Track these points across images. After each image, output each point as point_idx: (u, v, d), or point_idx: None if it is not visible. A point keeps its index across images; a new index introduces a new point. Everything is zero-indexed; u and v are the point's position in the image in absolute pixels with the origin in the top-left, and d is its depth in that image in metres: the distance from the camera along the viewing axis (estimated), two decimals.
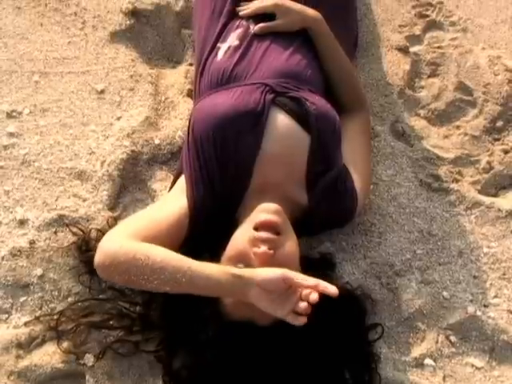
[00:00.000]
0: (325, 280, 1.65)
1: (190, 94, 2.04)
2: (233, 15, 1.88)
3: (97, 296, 1.65)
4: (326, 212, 1.68)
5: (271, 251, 1.45)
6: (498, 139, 2.03)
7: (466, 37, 2.23)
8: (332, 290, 1.34)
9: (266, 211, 1.53)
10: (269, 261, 1.45)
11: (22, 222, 1.75)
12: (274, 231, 1.50)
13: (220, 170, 1.61)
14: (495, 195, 1.95)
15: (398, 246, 1.80)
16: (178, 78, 2.09)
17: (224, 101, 1.67)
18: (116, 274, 1.48)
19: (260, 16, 1.85)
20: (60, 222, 1.75)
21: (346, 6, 2.04)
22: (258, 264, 1.45)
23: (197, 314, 1.48)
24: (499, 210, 1.88)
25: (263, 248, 1.45)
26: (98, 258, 1.50)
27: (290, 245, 1.52)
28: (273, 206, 1.54)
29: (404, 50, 2.19)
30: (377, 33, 2.24)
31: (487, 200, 1.90)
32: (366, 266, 1.77)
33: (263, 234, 1.48)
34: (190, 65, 2.12)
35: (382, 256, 1.78)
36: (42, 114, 1.97)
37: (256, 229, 1.50)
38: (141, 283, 1.45)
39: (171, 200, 1.65)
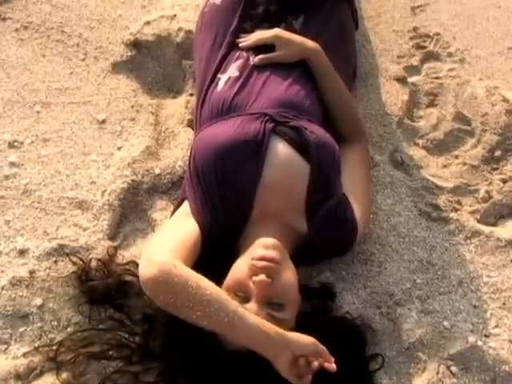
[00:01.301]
0: (324, 310, 1.66)
1: (190, 124, 2.05)
2: (233, 46, 1.91)
3: (96, 326, 1.63)
4: (325, 240, 1.68)
5: (269, 279, 1.46)
6: (497, 169, 2.04)
7: (463, 67, 2.25)
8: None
9: (263, 246, 1.54)
10: (267, 289, 1.46)
11: (23, 252, 1.75)
12: (272, 267, 1.50)
13: (222, 199, 1.62)
14: (494, 224, 1.95)
15: (398, 276, 1.80)
16: (178, 108, 2.11)
17: (224, 130, 1.68)
18: (164, 293, 1.43)
19: (260, 47, 1.88)
20: (60, 251, 1.75)
21: (344, 38, 2.07)
22: (257, 292, 1.46)
23: (197, 345, 1.47)
24: (499, 239, 1.88)
25: (261, 276, 1.46)
26: (151, 271, 1.43)
27: (289, 273, 1.53)
28: (271, 240, 1.55)
29: (402, 81, 2.21)
30: (375, 63, 2.26)
31: (486, 229, 1.90)
32: (366, 295, 1.76)
33: (262, 263, 1.49)
34: (191, 95, 2.14)
35: (382, 285, 1.78)
36: (43, 143, 1.98)
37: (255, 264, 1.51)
38: (183, 310, 1.42)
39: (184, 222, 1.63)
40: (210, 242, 1.60)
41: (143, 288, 1.47)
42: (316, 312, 1.65)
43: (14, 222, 1.81)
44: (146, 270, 1.46)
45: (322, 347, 1.41)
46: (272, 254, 1.52)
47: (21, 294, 1.67)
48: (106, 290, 1.65)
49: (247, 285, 1.48)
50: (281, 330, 1.41)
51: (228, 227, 1.62)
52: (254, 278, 1.46)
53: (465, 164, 2.05)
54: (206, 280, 1.45)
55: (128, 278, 1.68)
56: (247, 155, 1.63)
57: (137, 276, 1.66)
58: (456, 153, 2.08)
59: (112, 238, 1.82)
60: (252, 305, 1.46)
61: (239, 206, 1.63)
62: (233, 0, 1.95)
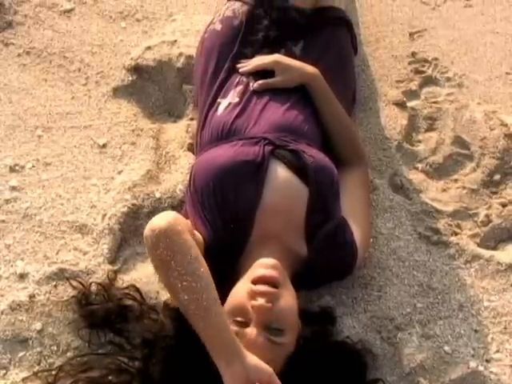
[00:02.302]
0: (325, 334, 1.65)
1: (190, 148, 2.06)
2: (233, 71, 1.93)
3: (96, 351, 1.63)
4: (325, 264, 1.68)
5: (269, 304, 1.46)
6: (496, 192, 2.05)
7: (461, 92, 2.27)
8: None
9: (263, 266, 1.54)
10: (267, 314, 1.46)
11: (22, 276, 1.75)
12: (271, 285, 1.50)
13: (222, 219, 1.63)
14: (494, 248, 1.95)
15: (399, 300, 1.79)
16: (178, 132, 2.12)
17: (224, 152, 1.70)
18: (164, 248, 1.43)
19: (260, 72, 1.89)
20: (60, 275, 1.75)
21: (344, 63, 2.09)
22: (256, 317, 1.45)
23: (197, 370, 1.46)
24: (499, 263, 1.87)
25: (261, 301, 1.46)
26: (161, 223, 1.45)
27: (288, 298, 1.52)
28: (271, 260, 1.55)
29: (401, 105, 2.23)
30: (374, 88, 2.28)
31: (486, 253, 1.90)
32: (367, 319, 1.75)
33: (261, 288, 1.49)
34: (191, 119, 2.15)
35: (383, 310, 1.77)
36: (44, 167, 1.99)
37: (254, 283, 1.51)
38: (172, 274, 1.42)
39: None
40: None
41: (146, 238, 1.47)
42: (316, 336, 1.64)
43: (15, 246, 1.81)
44: (156, 221, 1.47)
45: (278, 382, 1.38)
46: (272, 273, 1.52)
47: (20, 318, 1.67)
48: (105, 314, 1.64)
49: (246, 309, 1.47)
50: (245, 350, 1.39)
51: (228, 247, 1.62)
52: (253, 302, 1.46)
53: (464, 188, 2.05)
54: (205, 262, 1.46)
55: (128, 302, 1.67)
56: (247, 176, 1.64)
57: (137, 300, 1.67)
58: (455, 177, 2.09)
59: (112, 261, 1.82)
60: (251, 329, 1.46)
61: (239, 227, 1.63)
62: (233, 26, 1.98)
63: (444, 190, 2.05)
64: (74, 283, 1.71)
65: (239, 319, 1.47)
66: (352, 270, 1.77)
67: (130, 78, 2.23)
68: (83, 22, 2.38)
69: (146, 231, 1.48)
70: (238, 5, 2.01)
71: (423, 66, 2.33)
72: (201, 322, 1.41)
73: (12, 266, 1.77)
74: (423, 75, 2.30)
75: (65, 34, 2.34)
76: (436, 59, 2.35)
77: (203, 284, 1.42)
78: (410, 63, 2.34)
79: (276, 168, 1.68)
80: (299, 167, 1.68)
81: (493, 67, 2.35)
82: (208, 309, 1.40)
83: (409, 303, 1.79)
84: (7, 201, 1.90)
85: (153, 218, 1.51)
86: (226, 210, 1.63)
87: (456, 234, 1.95)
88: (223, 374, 1.37)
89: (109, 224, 1.86)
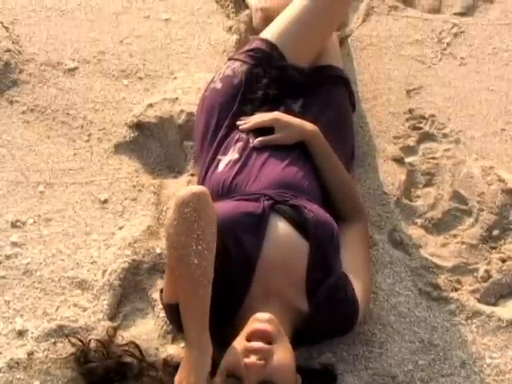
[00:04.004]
0: None
1: None
2: (233, 128, 1.96)
3: None
4: (326, 320, 1.68)
5: (262, 362, 1.45)
6: (495, 247, 2.05)
7: (458, 148, 2.29)
8: None
9: (258, 320, 1.53)
10: (259, 371, 1.45)
11: (21, 333, 1.74)
12: (266, 340, 1.49)
13: (220, 273, 1.62)
14: (495, 304, 1.94)
15: (400, 357, 1.78)
16: (179, 187, 2.12)
17: (224, 205, 1.71)
18: (194, 208, 1.50)
19: (260, 129, 1.93)
20: (59, 332, 1.74)
21: (342, 120, 2.12)
22: (249, 375, 1.45)
23: None
24: (500, 319, 1.86)
25: (253, 358, 1.45)
26: (199, 188, 1.55)
27: (283, 354, 1.51)
28: (266, 315, 1.55)
29: (399, 161, 2.25)
30: (373, 144, 2.31)
31: (487, 309, 1.89)
32: (368, 377, 1.74)
33: (254, 344, 1.48)
34: (192, 175, 2.17)
35: (384, 367, 1.76)
36: (45, 223, 2.00)
37: (249, 340, 1.50)
38: (190, 234, 1.49)
39: None
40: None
41: (178, 195, 1.54)
42: None
43: (14, 303, 1.81)
44: (191, 187, 1.58)
45: None
46: (266, 327, 1.51)
47: (18, 376, 1.65)
48: (104, 372, 1.62)
49: (240, 366, 1.46)
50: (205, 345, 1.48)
51: (227, 298, 1.62)
52: (246, 360, 1.46)
53: (463, 243, 2.06)
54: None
55: (127, 359, 1.65)
56: (247, 227, 1.65)
57: (136, 357, 1.65)
58: (454, 232, 2.09)
59: (112, 318, 1.81)
60: None
61: (238, 279, 1.63)
62: (233, 85, 2.02)
63: (443, 246, 2.06)
64: (73, 340, 1.70)
65: (234, 376, 1.46)
66: (353, 327, 1.76)
67: (132, 135, 2.26)
68: (87, 80, 2.42)
69: (183, 190, 1.55)
70: (237, 64, 2.06)
71: (420, 123, 2.36)
72: (200, 290, 1.49)
73: (11, 322, 1.77)
74: (420, 131, 2.33)
75: (68, 91, 2.38)
76: (433, 116, 2.38)
77: (212, 258, 1.51)
78: (407, 120, 2.37)
79: (276, 223, 1.69)
80: (299, 222, 1.69)
81: (489, 124, 2.38)
82: (204, 286, 1.49)
83: (410, 360, 1.78)
84: (8, 256, 1.90)
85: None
86: (225, 260, 1.62)
87: (456, 289, 1.94)
88: (185, 353, 1.49)
89: (109, 280, 1.86)
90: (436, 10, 2.74)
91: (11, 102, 2.32)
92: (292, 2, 2.14)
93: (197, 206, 1.51)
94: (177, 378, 1.48)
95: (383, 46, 2.61)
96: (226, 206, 1.70)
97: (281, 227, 1.68)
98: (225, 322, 1.61)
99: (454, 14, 2.73)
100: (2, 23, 2.53)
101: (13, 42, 2.47)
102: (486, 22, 2.70)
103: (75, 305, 1.82)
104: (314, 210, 1.74)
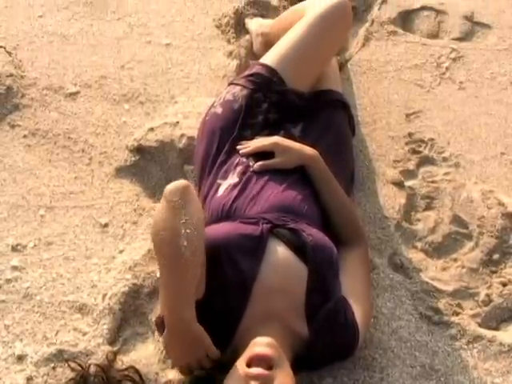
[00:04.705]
0: None
1: None
2: (233, 153, 1.97)
3: None
4: (326, 345, 1.67)
5: None
6: (496, 271, 2.05)
7: (458, 172, 2.30)
8: None
9: (258, 345, 1.53)
10: None
11: (21, 358, 1.73)
12: (266, 365, 1.48)
13: (215, 293, 1.62)
14: (496, 328, 1.93)
15: (401, 382, 1.76)
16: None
17: (222, 227, 1.73)
18: (182, 197, 1.57)
19: (259, 153, 1.94)
20: (59, 356, 1.74)
21: (342, 144, 2.13)
22: None
23: None
24: (501, 343, 1.86)
25: None
26: (188, 183, 1.63)
27: (284, 379, 1.50)
28: (266, 339, 1.54)
29: (399, 184, 2.26)
30: (372, 168, 2.32)
31: (489, 333, 1.88)
32: None
33: (254, 371, 1.47)
34: None
35: None
36: (46, 247, 2.01)
37: (249, 365, 1.49)
38: (179, 219, 1.54)
39: None
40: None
41: (167, 188, 1.60)
42: None
43: (14, 327, 1.81)
44: (177, 182, 1.62)
45: None
46: (266, 351, 1.50)
47: None
48: None
49: None
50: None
51: (222, 316, 1.62)
52: None
53: (464, 267, 2.06)
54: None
55: None
56: (244, 250, 1.66)
57: (136, 382, 1.65)
58: (454, 255, 2.10)
59: (112, 342, 1.80)
60: None
61: (233, 300, 1.63)
62: (233, 109, 2.03)
63: (444, 269, 2.06)
64: (73, 365, 1.69)
65: None
66: (354, 351, 1.75)
67: (133, 159, 2.27)
68: (88, 105, 2.44)
69: (169, 185, 1.61)
70: (237, 89, 2.07)
71: (420, 147, 2.37)
72: (191, 269, 1.53)
73: (10, 347, 1.76)
74: (420, 155, 2.35)
75: (70, 115, 2.40)
76: (432, 140, 2.39)
77: (201, 243, 1.57)
78: (406, 143, 2.38)
79: (275, 246, 1.69)
80: (298, 246, 1.69)
81: (488, 147, 2.40)
82: (199, 261, 1.55)
83: None
84: (8, 280, 1.91)
85: None
86: (220, 280, 1.63)
87: (457, 313, 1.94)
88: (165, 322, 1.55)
89: (109, 304, 1.85)
90: (434, 35, 2.78)
91: (13, 126, 2.33)
92: (292, 28, 2.16)
93: (183, 195, 1.57)
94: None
95: (382, 71, 2.64)
96: (224, 228, 1.71)
97: (279, 251, 1.69)
98: (223, 343, 1.61)
99: (453, 39, 2.77)
100: (4, 48, 2.56)
101: (15, 67, 2.50)
102: (484, 47, 2.73)
103: (75, 329, 1.81)
104: (313, 233, 1.74)
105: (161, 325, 1.60)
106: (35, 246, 2.01)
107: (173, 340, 1.57)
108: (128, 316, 1.87)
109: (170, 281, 1.54)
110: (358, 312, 1.72)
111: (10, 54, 2.54)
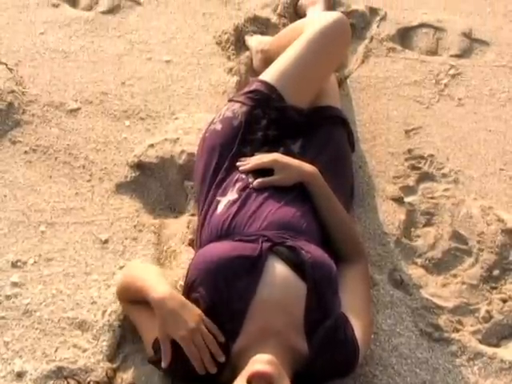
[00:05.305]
0: None
1: (191, 244, 2.08)
2: (232, 170, 1.97)
3: None
4: (326, 362, 1.66)
5: None
6: (496, 288, 2.05)
7: (457, 188, 2.31)
8: None
9: (258, 362, 1.52)
10: None
11: (20, 375, 1.72)
12: (266, 383, 1.48)
13: (212, 315, 1.62)
14: (497, 345, 1.92)
15: None
16: (180, 227, 2.14)
17: (221, 246, 1.73)
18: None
19: (259, 170, 1.94)
20: (58, 373, 1.73)
21: (342, 160, 2.13)
22: None
23: None
24: (502, 360, 1.85)
25: None
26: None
27: None
28: (266, 356, 1.54)
29: (399, 201, 2.26)
30: (372, 184, 2.32)
31: (489, 350, 1.88)
32: None
33: None
34: (192, 215, 2.18)
35: None
36: (46, 263, 2.01)
37: (249, 382, 1.49)
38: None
39: None
40: None
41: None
42: None
43: (13, 344, 1.80)
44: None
45: None
46: (266, 368, 1.50)
47: None
48: None
49: None
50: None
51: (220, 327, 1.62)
52: None
53: (464, 283, 2.05)
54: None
55: None
56: (241, 270, 1.66)
57: None
58: (454, 272, 2.09)
59: (111, 359, 1.80)
60: None
61: (229, 318, 1.63)
62: (232, 126, 2.04)
63: (444, 286, 2.06)
64: (72, 382, 1.70)
65: None
66: (354, 368, 1.74)
67: (133, 175, 2.28)
68: (89, 121, 2.45)
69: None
70: (237, 105, 2.08)
71: (419, 163, 2.38)
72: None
73: (10, 364, 1.76)
74: (420, 171, 2.35)
75: (71, 132, 2.41)
76: (432, 156, 2.40)
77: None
78: (406, 160, 2.39)
79: (273, 264, 1.69)
80: (297, 263, 1.69)
81: (487, 164, 2.40)
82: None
83: None
84: (8, 297, 1.90)
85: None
86: (217, 304, 1.63)
87: (457, 330, 1.93)
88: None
89: (109, 320, 1.85)
90: (433, 52, 2.80)
91: (14, 143, 2.34)
92: (291, 44, 2.18)
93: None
94: None
95: (382, 87, 2.66)
96: (222, 248, 1.71)
97: (278, 269, 1.68)
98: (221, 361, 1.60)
99: (451, 55, 2.79)
100: (6, 65, 2.58)
101: (16, 84, 2.51)
102: (483, 64, 2.75)
103: (75, 346, 1.81)
104: (312, 251, 1.74)
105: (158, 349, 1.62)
106: (35, 262, 2.00)
107: (166, 317, 1.61)
108: (127, 332, 1.87)
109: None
110: (357, 328, 1.72)
111: (11, 70, 2.56)
